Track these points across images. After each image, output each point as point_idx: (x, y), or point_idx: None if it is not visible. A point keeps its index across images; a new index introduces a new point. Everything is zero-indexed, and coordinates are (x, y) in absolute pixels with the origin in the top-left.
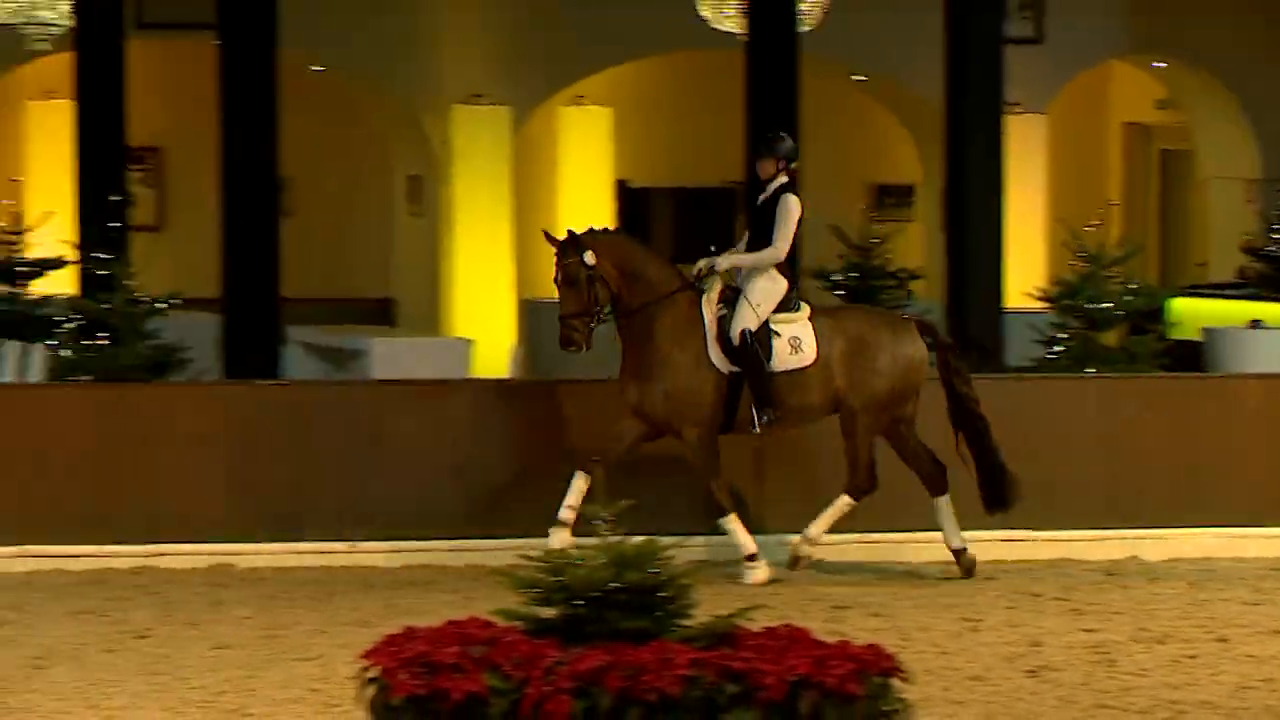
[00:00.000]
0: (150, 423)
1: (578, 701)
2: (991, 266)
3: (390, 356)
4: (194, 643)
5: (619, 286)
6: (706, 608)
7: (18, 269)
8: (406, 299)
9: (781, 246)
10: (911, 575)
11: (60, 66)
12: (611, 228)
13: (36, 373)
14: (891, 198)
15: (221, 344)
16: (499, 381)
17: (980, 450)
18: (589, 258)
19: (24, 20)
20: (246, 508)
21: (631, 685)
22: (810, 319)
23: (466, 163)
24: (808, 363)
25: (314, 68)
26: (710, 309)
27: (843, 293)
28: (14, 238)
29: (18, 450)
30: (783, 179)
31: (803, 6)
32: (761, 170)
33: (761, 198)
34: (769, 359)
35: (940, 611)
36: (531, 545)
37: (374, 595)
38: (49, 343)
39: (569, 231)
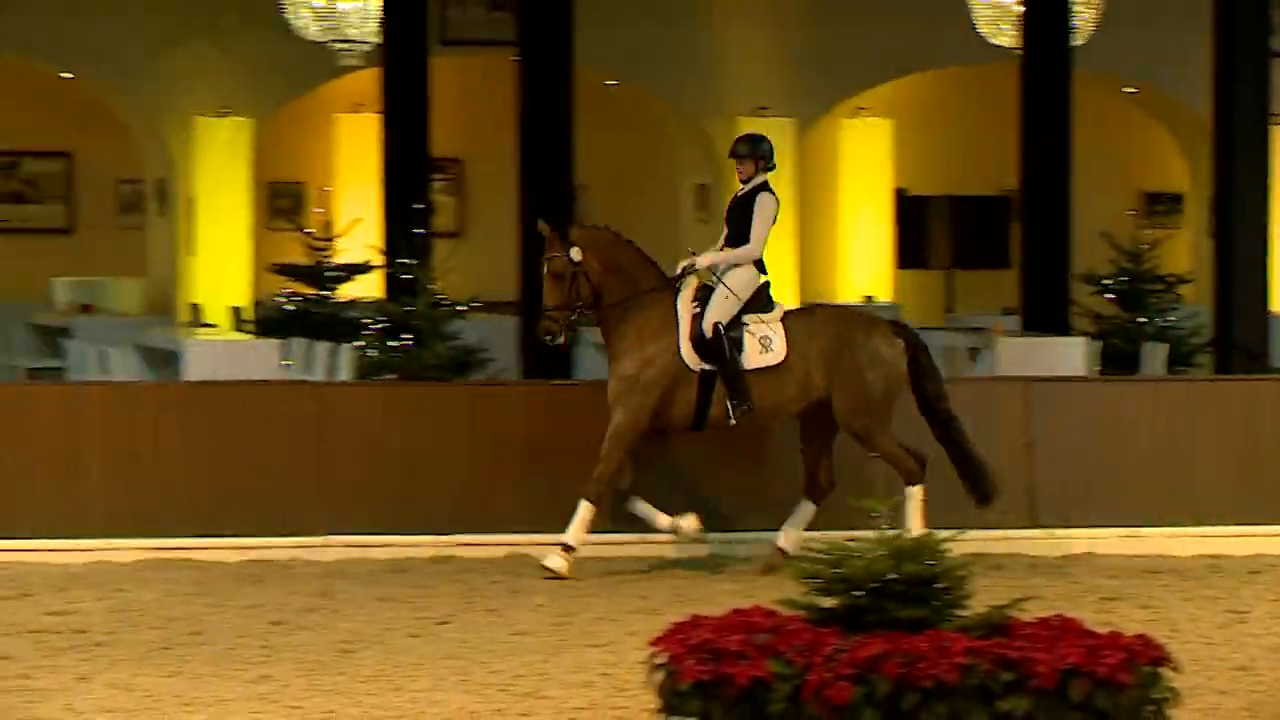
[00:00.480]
0: (451, 420)
1: (857, 688)
2: (1258, 271)
3: None
4: (492, 628)
5: (600, 282)
6: (981, 599)
7: (327, 273)
8: None
9: (758, 244)
10: (1178, 569)
11: (368, 82)
12: (599, 224)
13: (344, 371)
14: (1160, 205)
15: (519, 345)
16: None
17: (954, 447)
18: (575, 254)
19: (334, 38)
20: (540, 500)
21: (909, 672)
22: (782, 319)
23: None
24: (777, 361)
25: (608, 82)
26: (686, 306)
27: (1113, 296)
28: (324, 244)
29: (328, 444)
30: (760, 179)
31: (1076, 22)
32: (741, 171)
33: (739, 196)
34: (740, 354)
35: (1206, 604)
36: (818, 538)
37: (661, 583)
38: (356, 343)
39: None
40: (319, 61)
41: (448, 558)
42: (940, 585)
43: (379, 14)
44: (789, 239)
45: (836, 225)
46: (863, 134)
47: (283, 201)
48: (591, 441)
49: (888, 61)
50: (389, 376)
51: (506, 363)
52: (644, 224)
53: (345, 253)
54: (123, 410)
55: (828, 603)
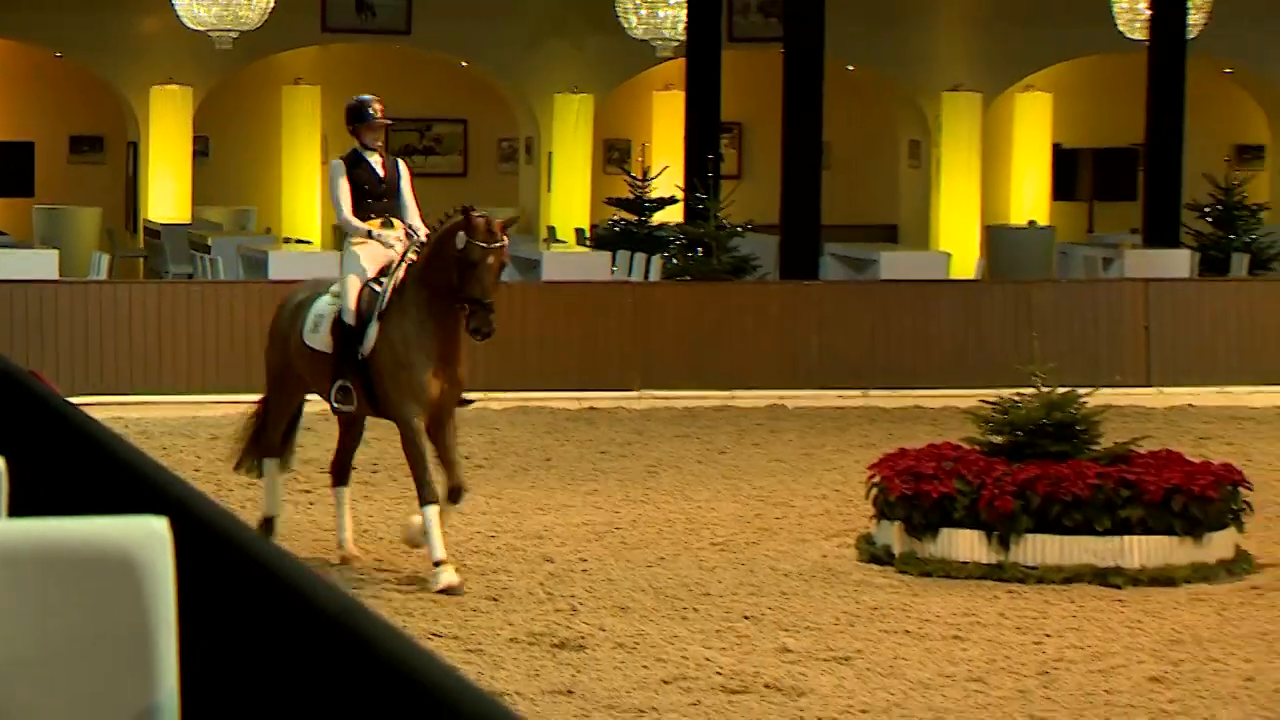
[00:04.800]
0: (731, 310)
1: (1016, 501)
2: None
3: (893, 265)
4: (757, 458)
5: None
6: (1109, 438)
7: (645, 205)
8: (906, 225)
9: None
10: (1255, 417)
11: (677, 68)
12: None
13: (655, 274)
14: (1248, 154)
15: (779, 256)
16: (970, 282)
17: None
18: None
19: (652, 36)
20: (792, 365)
21: (1055, 490)
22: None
23: (950, 132)
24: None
25: (849, 67)
26: None
27: (1211, 220)
28: (643, 184)
29: (643, 327)
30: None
31: (1191, 20)
32: (372, 137)
33: (380, 165)
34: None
35: (1275, 441)
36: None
37: (879, 427)
38: (664, 254)
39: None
40: (643, 54)
41: (726, 406)
42: (1079, 428)
43: (685, 18)
44: (974, 181)
45: (1010, 172)
46: (1030, 105)
47: (614, 154)
48: (830, 320)
49: (1053, 48)
50: (686, 278)
51: (769, 268)
52: (872, 168)
53: (657, 189)
54: (503, 305)
55: (997, 440)
